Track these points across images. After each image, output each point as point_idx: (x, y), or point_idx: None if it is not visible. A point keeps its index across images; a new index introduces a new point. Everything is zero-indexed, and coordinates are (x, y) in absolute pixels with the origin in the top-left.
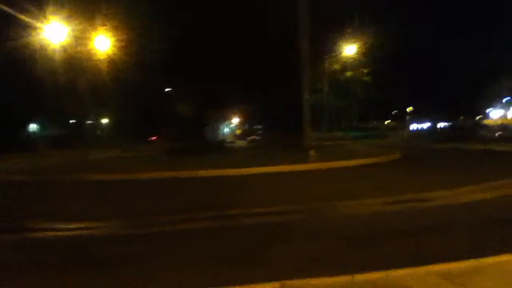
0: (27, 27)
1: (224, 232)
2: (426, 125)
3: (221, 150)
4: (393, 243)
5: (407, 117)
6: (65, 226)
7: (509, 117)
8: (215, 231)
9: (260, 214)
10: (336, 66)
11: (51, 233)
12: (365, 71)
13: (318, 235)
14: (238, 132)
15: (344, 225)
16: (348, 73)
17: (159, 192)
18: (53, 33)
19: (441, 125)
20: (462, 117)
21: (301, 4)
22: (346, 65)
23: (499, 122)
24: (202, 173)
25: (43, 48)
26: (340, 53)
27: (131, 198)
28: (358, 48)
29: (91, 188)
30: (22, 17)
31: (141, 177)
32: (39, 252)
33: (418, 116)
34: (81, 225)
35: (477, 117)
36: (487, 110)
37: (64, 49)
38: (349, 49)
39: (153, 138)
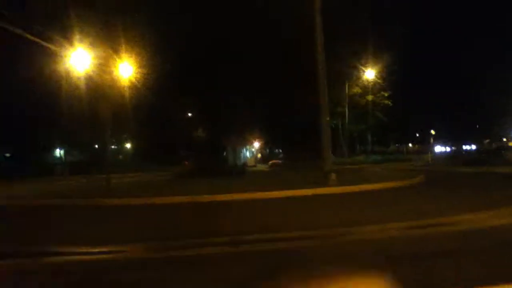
0: (52, 55)
1: (240, 257)
2: (448, 148)
3: (242, 174)
4: (408, 268)
5: (431, 140)
6: (80, 250)
7: None
8: (232, 256)
9: (279, 239)
10: (357, 90)
11: (66, 258)
12: (386, 94)
13: (333, 261)
14: (259, 156)
15: (362, 250)
16: (369, 97)
17: (177, 217)
18: (78, 60)
19: (465, 148)
20: (487, 140)
21: (317, 21)
22: (367, 89)
23: None
24: (222, 197)
25: (69, 75)
26: (360, 76)
27: (149, 223)
28: (377, 72)
29: (109, 212)
30: (48, 45)
31: (160, 201)
32: (54, 276)
33: (441, 139)
34: (97, 250)
35: (503, 140)
36: None
37: (89, 76)
38: (369, 73)
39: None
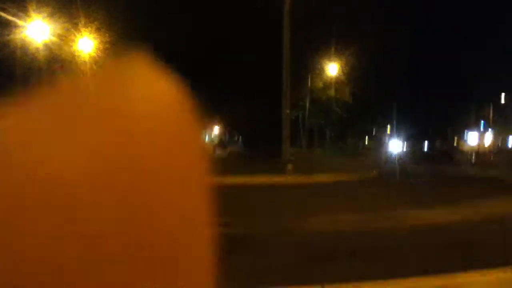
0: (8, 25)
1: None
2: (403, 146)
3: None
4: (352, 259)
5: (387, 138)
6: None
7: (485, 144)
8: None
9: (226, 225)
10: (319, 84)
11: None
12: (347, 91)
13: (272, 249)
14: (217, 142)
15: (305, 241)
16: (330, 92)
17: None
18: (35, 31)
19: (418, 147)
20: (438, 141)
21: (284, 19)
22: (329, 84)
23: (475, 148)
24: None
25: (24, 47)
26: (323, 71)
27: None
28: (340, 67)
29: None
30: (3, 15)
31: None
32: None
33: (397, 137)
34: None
35: (455, 140)
36: (465, 136)
37: (47, 48)
38: (332, 68)
39: None
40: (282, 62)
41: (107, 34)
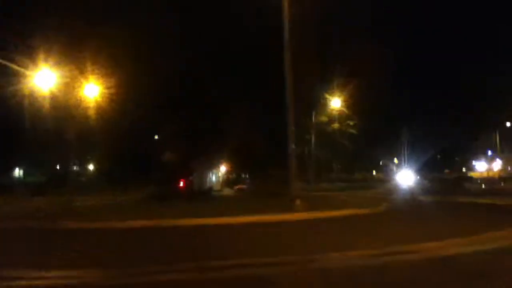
0: (16, 75)
1: (204, 284)
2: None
3: (207, 198)
4: None
5: (394, 169)
6: (35, 275)
7: (494, 170)
8: (197, 283)
9: (242, 265)
10: (323, 118)
11: (20, 282)
12: (351, 123)
13: None
14: (225, 180)
15: (324, 279)
16: (335, 125)
17: (139, 242)
18: (42, 80)
19: (427, 178)
20: (447, 170)
21: (285, 54)
22: (333, 117)
23: (484, 174)
24: (186, 222)
25: (32, 95)
26: (327, 105)
27: (110, 248)
28: (343, 101)
29: (68, 236)
30: (11, 65)
31: (121, 226)
32: None
33: (406, 168)
34: (52, 275)
35: (463, 170)
36: (473, 164)
37: (53, 96)
38: (335, 102)
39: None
40: (286, 98)
41: (112, 79)
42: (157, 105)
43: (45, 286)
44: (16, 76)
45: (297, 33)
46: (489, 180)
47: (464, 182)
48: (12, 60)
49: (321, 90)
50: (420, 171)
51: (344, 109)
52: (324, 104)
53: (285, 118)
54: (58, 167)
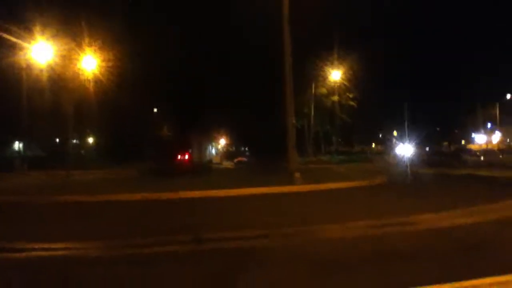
0: (13, 47)
1: (202, 255)
2: (411, 149)
3: (206, 172)
4: (366, 269)
5: (393, 142)
6: (37, 247)
7: (493, 142)
8: (193, 254)
9: (238, 238)
10: (323, 90)
11: (23, 254)
12: (351, 95)
13: (294, 259)
14: (225, 153)
15: (322, 249)
16: (334, 98)
17: (138, 214)
18: (39, 52)
19: (426, 150)
20: (445, 143)
21: (284, 27)
22: (332, 90)
23: (483, 147)
24: (185, 194)
25: (29, 67)
26: (327, 77)
27: (110, 220)
28: (343, 73)
29: (69, 210)
30: (8, 37)
31: (121, 198)
32: (8, 271)
33: (404, 141)
34: (54, 246)
35: (462, 142)
36: (472, 136)
37: (51, 68)
38: (335, 74)
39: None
40: (284, 70)
41: (110, 53)
42: (156, 79)
43: (48, 257)
44: (13, 48)
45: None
46: (488, 152)
47: (463, 154)
48: (9, 32)
49: (321, 61)
50: (419, 143)
51: (344, 81)
52: (323, 76)
53: (284, 91)
54: (57, 141)
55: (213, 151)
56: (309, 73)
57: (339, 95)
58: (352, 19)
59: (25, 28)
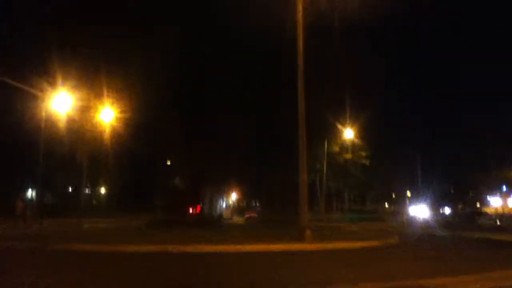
0: (34, 97)
1: None
2: (424, 211)
3: (217, 226)
4: None
5: (407, 202)
6: None
7: (509, 205)
8: None
9: None
10: (335, 148)
11: None
12: (364, 154)
13: None
14: (235, 208)
15: None
16: (347, 155)
17: (145, 268)
18: (59, 103)
19: (440, 211)
20: (460, 205)
21: (298, 83)
22: (345, 147)
23: (499, 210)
24: (194, 248)
25: (48, 118)
26: (340, 135)
27: (111, 274)
28: (356, 131)
29: (79, 258)
30: (29, 89)
31: (127, 249)
32: None
33: (417, 202)
34: None
35: (477, 205)
36: (487, 199)
37: (70, 119)
38: (348, 132)
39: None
40: (298, 126)
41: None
42: (170, 131)
43: None
44: (33, 99)
45: (310, 60)
46: (503, 216)
47: (479, 217)
48: (30, 83)
49: (334, 119)
50: (433, 204)
51: (357, 140)
52: (336, 134)
53: (297, 147)
54: (70, 189)
55: (224, 205)
56: (322, 129)
57: (352, 152)
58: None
59: (46, 79)
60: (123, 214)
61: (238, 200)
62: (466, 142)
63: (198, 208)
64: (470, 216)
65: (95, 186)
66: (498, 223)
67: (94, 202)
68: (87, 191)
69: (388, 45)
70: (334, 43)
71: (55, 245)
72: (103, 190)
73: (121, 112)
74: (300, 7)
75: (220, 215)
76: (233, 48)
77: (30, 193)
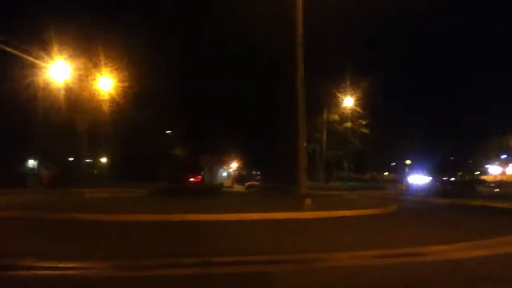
0: (31, 66)
1: (210, 279)
2: (424, 179)
3: (217, 194)
4: None
5: (406, 170)
6: (46, 265)
7: (508, 173)
8: (201, 278)
9: (246, 262)
10: (335, 117)
11: (30, 272)
12: (363, 122)
13: (301, 286)
14: (236, 177)
15: (329, 278)
16: (347, 124)
17: (147, 235)
18: (57, 72)
19: (439, 179)
20: (460, 173)
21: (298, 54)
22: (345, 116)
23: (498, 178)
24: (195, 217)
25: (47, 87)
26: (339, 104)
27: (120, 240)
28: (356, 100)
29: (78, 228)
30: (27, 57)
31: (130, 219)
32: None
33: (416, 170)
34: (63, 265)
35: (476, 173)
36: (486, 166)
37: (68, 88)
38: (348, 101)
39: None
40: (297, 94)
41: (125, 73)
42: (170, 101)
43: (57, 276)
44: (31, 68)
45: (310, 27)
46: (502, 183)
47: (477, 185)
48: (27, 52)
49: (334, 87)
50: (432, 172)
51: (357, 108)
52: (336, 103)
53: (296, 115)
54: (71, 159)
55: (225, 174)
56: (321, 97)
57: (352, 121)
58: (365, 43)
59: (44, 47)
60: (125, 184)
61: (239, 169)
62: (466, 110)
63: (199, 177)
64: (469, 184)
65: (96, 156)
66: (497, 190)
67: (95, 171)
68: (88, 160)
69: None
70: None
71: (57, 215)
72: (104, 160)
73: (119, 80)
74: None
75: (221, 184)
76: (232, 11)
77: (32, 162)
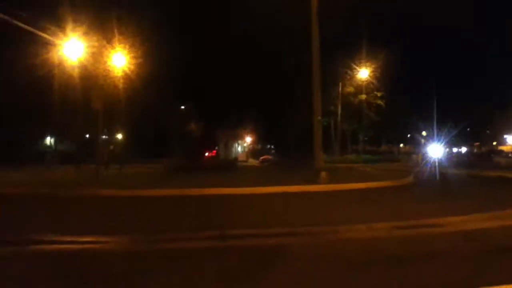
0: (46, 44)
1: (227, 252)
2: (440, 150)
3: (232, 169)
4: (390, 269)
5: (422, 142)
6: (66, 239)
7: None
8: (219, 250)
9: (264, 235)
10: (350, 89)
11: (51, 246)
12: (379, 94)
13: (318, 258)
14: (251, 151)
15: (346, 249)
16: (362, 96)
17: (165, 210)
18: (71, 49)
19: (455, 150)
20: (477, 143)
21: (313, 26)
22: (360, 88)
23: None
24: (211, 191)
25: (61, 64)
26: (354, 76)
27: (138, 215)
28: (371, 71)
29: (97, 203)
30: (41, 34)
31: (148, 194)
32: (38, 264)
33: (432, 141)
34: (83, 239)
35: (493, 143)
36: (505, 136)
37: (82, 65)
38: (363, 72)
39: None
40: (312, 67)
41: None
42: (183, 77)
43: (76, 250)
44: (46, 45)
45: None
46: None
47: (495, 155)
48: (41, 29)
49: (349, 59)
50: (450, 144)
51: (372, 80)
52: (351, 75)
53: (311, 89)
54: (87, 136)
55: (239, 149)
56: (336, 70)
57: (367, 93)
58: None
59: (58, 25)
60: (141, 160)
61: (254, 144)
62: (484, 80)
63: (214, 152)
64: (486, 154)
65: (111, 132)
66: None
67: (111, 147)
68: (104, 137)
69: None
70: None
71: (74, 191)
72: (120, 136)
73: (133, 57)
74: None
75: (236, 158)
76: None
77: (49, 140)
